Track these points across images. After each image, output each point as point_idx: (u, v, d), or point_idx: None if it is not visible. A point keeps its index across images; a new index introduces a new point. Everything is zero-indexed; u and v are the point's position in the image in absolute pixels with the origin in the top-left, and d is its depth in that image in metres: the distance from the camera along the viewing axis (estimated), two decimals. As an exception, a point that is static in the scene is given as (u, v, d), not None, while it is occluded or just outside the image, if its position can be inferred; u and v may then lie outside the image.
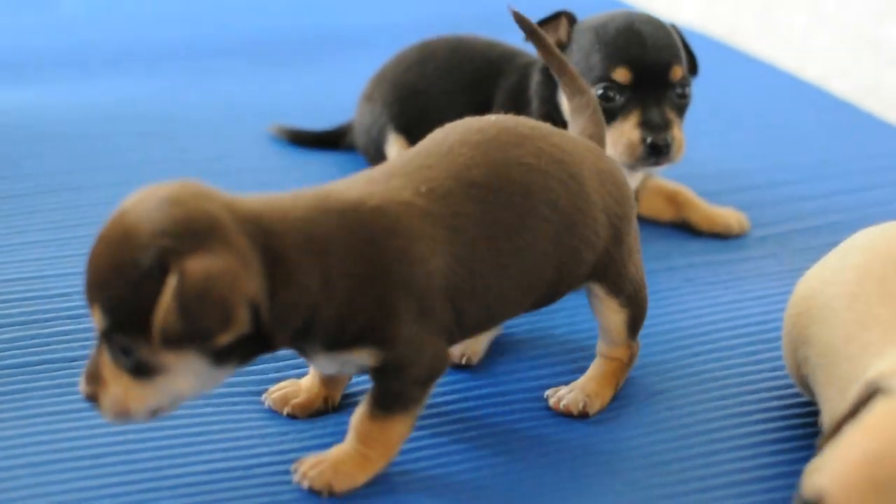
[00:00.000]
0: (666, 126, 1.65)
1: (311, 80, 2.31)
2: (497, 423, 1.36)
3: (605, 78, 1.66)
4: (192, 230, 1.11)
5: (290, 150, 2.00)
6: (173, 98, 2.19)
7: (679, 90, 1.68)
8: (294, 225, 1.16)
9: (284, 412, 1.34)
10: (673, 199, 1.83)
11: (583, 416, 1.36)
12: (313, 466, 1.23)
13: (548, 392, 1.39)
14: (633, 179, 1.73)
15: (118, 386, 1.15)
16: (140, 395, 1.15)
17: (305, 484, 1.22)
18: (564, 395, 1.37)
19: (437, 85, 1.82)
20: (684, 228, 1.82)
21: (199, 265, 1.09)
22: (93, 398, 1.16)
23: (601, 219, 1.31)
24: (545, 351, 1.49)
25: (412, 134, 1.80)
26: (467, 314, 1.24)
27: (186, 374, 1.14)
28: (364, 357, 1.20)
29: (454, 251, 1.22)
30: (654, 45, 1.67)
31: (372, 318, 1.18)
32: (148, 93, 2.21)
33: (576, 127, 1.41)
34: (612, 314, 1.37)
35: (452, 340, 1.26)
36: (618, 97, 1.66)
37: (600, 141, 1.41)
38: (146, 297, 1.10)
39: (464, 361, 1.43)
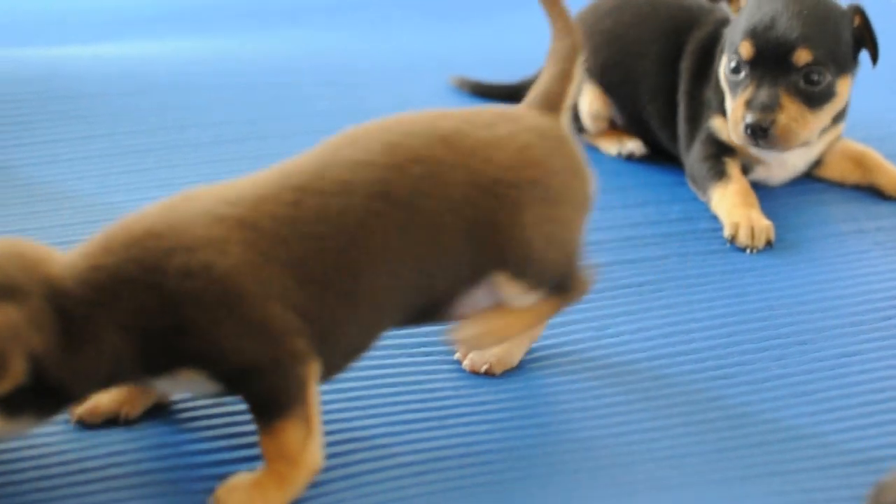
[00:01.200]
0: (773, 109, 1.60)
1: (488, 33, 2.31)
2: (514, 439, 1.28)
3: (734, 50, 1.64)
4: None
5: (472, 102, 2.00)
6: (352, 49, 2.21)
7: (806, 76, 1.62)
8: (82, 279, 1.13)
9: (482, 369, 1.33)
10: (860, 161, 1.80)
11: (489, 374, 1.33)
12: (229, 490, 1.17)
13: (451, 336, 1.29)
14: (817, 144, 1.71)
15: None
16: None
17: None
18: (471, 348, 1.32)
19: (632, 33, 1.80)
20: (871, 191, 1.79)
21: None
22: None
23: (463, 195, 1.21)
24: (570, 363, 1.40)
25: (606, 83, 1.81)
26: (322, 326, 1.17)
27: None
28: (195, 378, 1.16)
29: (258, 253, 1.15)
30: (784, 24, 1.62)
31: (178, 340, 1.14)
32: (327, 44, 2.23)
33: (542, 73, 1.33)
34: (518, 296, 1.26)
35: (334, 368, 1.21)
36: (741, 72, 1.63)
37: (554, 98, 1.31)
38: None
39: (483, 370, 1.35)
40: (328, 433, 1.21)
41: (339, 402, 1.29)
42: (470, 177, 1.22)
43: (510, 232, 1.22)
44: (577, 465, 1.22)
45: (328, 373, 1.20)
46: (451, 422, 1.28)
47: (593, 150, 1.83)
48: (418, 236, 1.20)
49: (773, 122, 1.59)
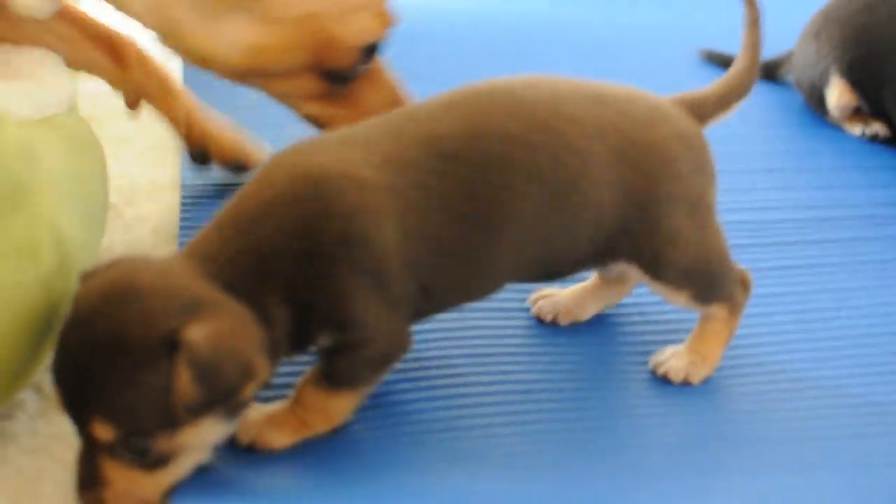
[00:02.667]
0: None
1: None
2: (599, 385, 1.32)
3: None
4: (178, 305, 1.07)
5: (720, 74, 2.04)
6: (599, 19, 2.26)
7: None
8: (240, 258, 1.12)
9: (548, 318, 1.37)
10: None
11: (686, 383, 1.31)
12: (244, 419, 1.18)
13: (653, 357, 1.33)
14: None
15: (128, 482, 1.09)
16: (155, 483, 1.10)
17: (246, 443, 1.19)
18: (666, 361, 1.32)
19: (887, 31, 1.80)
20: None
21: (199, 331, 1.05)
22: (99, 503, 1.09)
23: (609, 198, 1.22)
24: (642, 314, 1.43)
25: (854, 79, 1.82)
26: (437, 291, 1.19)
27: (205, 442, 1.11)
28: (324, 340, 1.16)
29: (411, 226, 1.15)
30: None
31: (329, 305, 1.13)
32: (573, 12, 2.28)
33: (714, 85, 1.34)
34: (669, 294, 1.29)
35: (424, 316, 1.22)
36: None
37: (706, 113, 1.32)
38: (158, 389, 1.05)
39: (549, 320, 1.38)
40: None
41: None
42: (616, 179, 1.22)
43: (645, 237, 1.24)
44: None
45: (421, 317, 1.23)
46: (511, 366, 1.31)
47: (837, 129, 1.87)
48: (559, 225, 1.21)
49: None
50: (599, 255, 1.25)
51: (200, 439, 1.10)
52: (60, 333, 1.08)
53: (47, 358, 1.25)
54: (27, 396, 1.28)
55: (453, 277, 1.19)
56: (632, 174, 1.22)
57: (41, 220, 1.16)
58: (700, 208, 1.26)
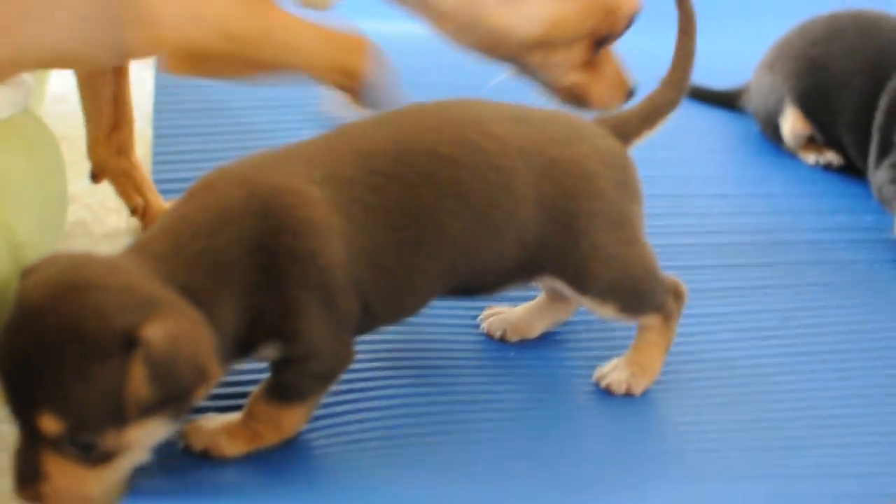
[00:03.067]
0: None
1: (709, 39, 2.34)
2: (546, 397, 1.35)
3: None
4: (133, 302, 1.07)
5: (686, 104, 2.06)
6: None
7: None
8: (194, 262, 1.13)
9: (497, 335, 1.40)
10: None
11: (628, 394, 1.34)
12: (197, 428, 1.21)
13: (597, 370, 1.36)
14: None
15: (69, 478, 1.08)
16: (98, 479, 1.09)
17: (181, 443, 1.20)
18: (608, 374, 1.34)
19: (840, 64, 1.84)
20: None
21: (157, 329, 1.06)
22: (39, 499, 1.08)
23: (531, 215, 1.25)
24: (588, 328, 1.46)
25: (807, 108, 1.86)
26: (375, 306, 1.22)
27: (149, 441, 1.11)
28: (269, 352, 1.18)
29: (354, 242, 1.18)
30: None
31: (277, 316, 1.15)
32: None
33: (641, 103, 1.38)
34: (596, 307, 1.32)
35: (363, 331, 1.25)
36: None
37: (630, 134, 1.35)
38: (111, 384, 1.05)
39: (497, 336, 1.41)
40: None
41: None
42: (539, 197, 1.25)
43: (568, 253, 1.28)
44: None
45: (359, 333, 1.25)
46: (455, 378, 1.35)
47: (792, 157, 1.91)
48: (485, 241, 1.24)
49: None
50: (525, 271, 1.29)
51: (145, 438, 1.10)
52: (6, 325, 1.08)
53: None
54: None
55: (389, 293, 1.22)
56: (553, 191, 1.26)
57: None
58: (624, 225, 1.30)
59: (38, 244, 1.28)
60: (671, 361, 1.38)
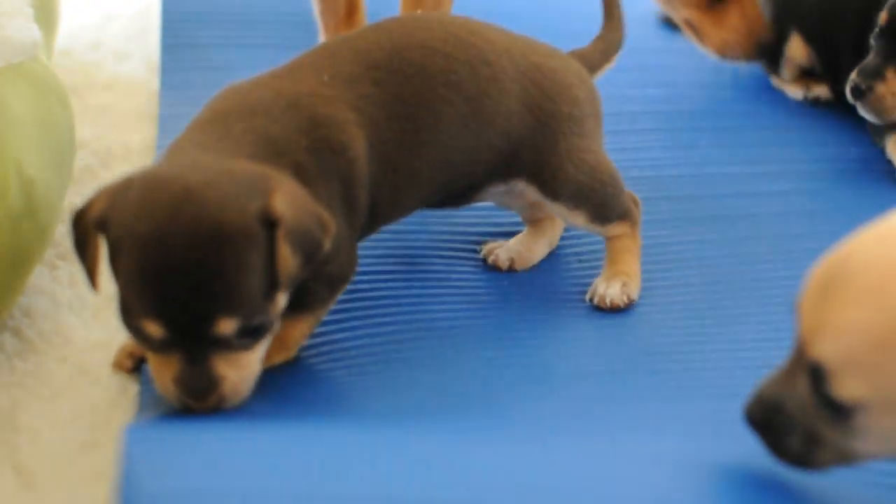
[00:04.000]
0: (874, 77, 1.64)
1: None
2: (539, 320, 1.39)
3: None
4: (248, 183, 1.12)
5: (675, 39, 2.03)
6: None
7: None
8: (248, 139, 1.18)
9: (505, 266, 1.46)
10: None
11: (630, 304, 1.39)
12: None
13: (588, 293, 1.41)
14: None
15: (239, 370, 1.15)
16: (255, 360, 1.16)
17: None
18: (605, 293, 1.39)
19: None
20: None
21: (283, 202, 1.12)
22: (219, 403, 1.15)
23: (516, 109, 1.33)
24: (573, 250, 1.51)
25: (809, 33, 1.86)
26: (380, 203, 1.28)
27: (284, 304, 1.17)
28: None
29: (366, 135, 1.25)
30: None
31: None
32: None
33: (592, 44, 1.48)
34: (567, 215, 1.39)
35: (362, 236, 1.30)
36: (877, 39, 1.67)
37: (593, 65, 1.45)
38: (264, 264, 1.11)
39: (505, 267, 1.46)
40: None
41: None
42: (523, 94, 1.34)
43: (545, 153, 1.35)
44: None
45: (361, 236, 1.31)
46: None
47: (781, 93, 1.92)
48: (474, 130, 1.31)
49: (870, 88, 1.65)
50: (507, 168, 1.35)
51: (284, 302, 1.16)
52: (142, 251, 1.10)
53: (17, 296, 1.33)
54: (5, 338, 1.36)
55: (393, 188, 1.28)
56: (534, 91, 1.34)
57: (7, 163, 1.22)
58: (593, 137, 1.39)
59: (47, 182, 1.32)
60: (662, 285, 1.43)
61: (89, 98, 1.83)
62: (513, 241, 1.48)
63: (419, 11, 1.41)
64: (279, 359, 1.27)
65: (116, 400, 1.28)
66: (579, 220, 1.39)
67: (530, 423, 1.23)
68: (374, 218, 1.30)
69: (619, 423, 1.24)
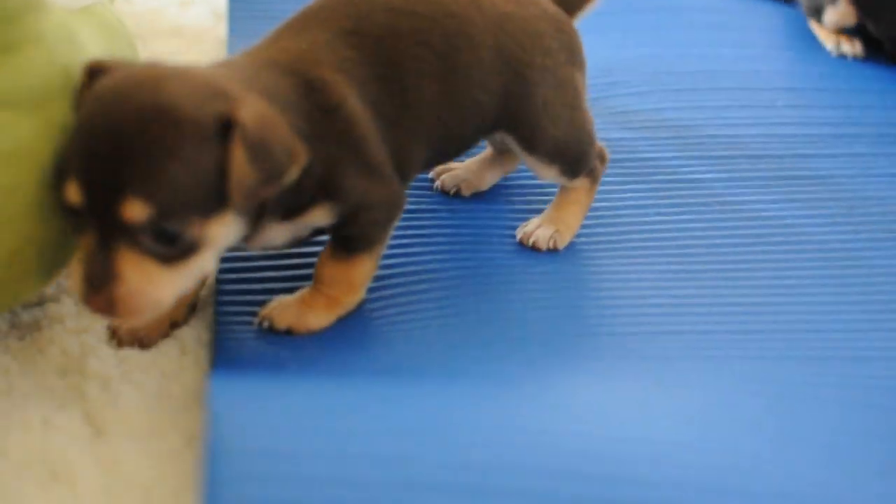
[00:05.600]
0: None
1: None
2: (469, 258, 1.38)
3: None
4: (221, 91, 1.08)
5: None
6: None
7: None
8: (266, 88, 1.15)
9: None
10: None
11: (552, 250, 1.38)
12: (276, 308, 1.24)
13: (518, 229, 1.41)
14: None
15: (143, 278, 1.06)
16: (171, 282, 1.07)
17: (265, 324, 1.23)
18: (533, 232, 1.39)
19: None
20: None
21: (249, 111, 1.07)
22: (109, 305, 1.06)
23: (490, 59, 1.30)
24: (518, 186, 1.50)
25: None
26: (393, 156, 1.25)
27: (224, 240, 1.11)
28: (321, 216, 1.20)
29: (356, 94, 1.22)
30: None
31: (323, 173, 1.17)
32: None
33: None
34: (540, 168, 1.37)
35: (408, 177, 1.29)
36: None
37: (573, 7, 1.40)
38: (206, 167, 1.05)
39: (452, 192, 1.46)
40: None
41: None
42: (496, 44, 1.30)
43: (522, 105, 1.32)
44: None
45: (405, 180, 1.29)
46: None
47: (814, 41, 1.89)
48: (454, 85, 1.28)
49: None
50: (492, 121, 1.33)
51: (223, 234, 1.09)
52: (83, 114, 1.07)
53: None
54: (72, 282, 1.36)
55: (398, 143, 1.25)
56: (507, 41, 1.31)
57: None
58: (569, 87, 1.36)
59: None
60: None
61: (154, 45, 1.82)
62: (464, 165, 1.48)
63: None
64: (349, 300, 1.26)
65: (188, 347, 1.26)
66: (550, 173, 1.38)
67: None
68: (402, 166, 1.27)
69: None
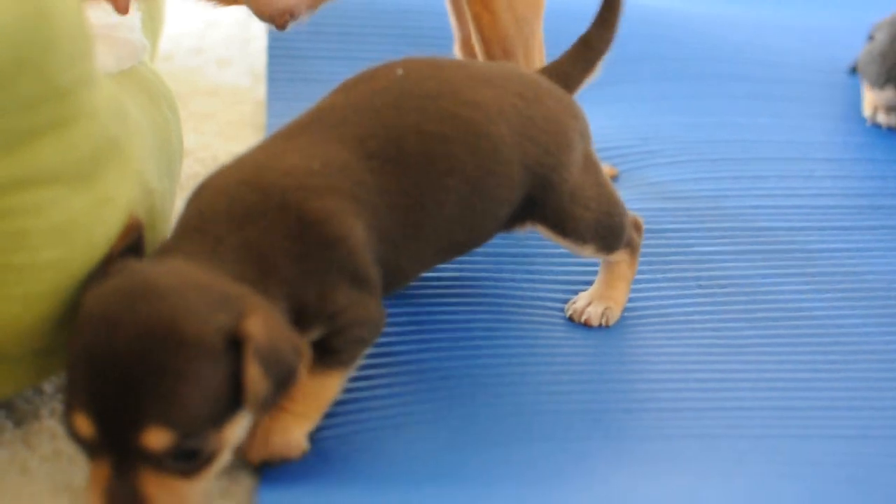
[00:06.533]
0: None
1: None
2: (515, 331, 1.38)
3: None
4: (219, 300, 1.07)
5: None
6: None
7: None
8: (237, 255, 1.12)
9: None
10: None
11: (604, 326, 1.39)
12: (257, 446, 1.18)
13: (567, 305, 1.41)
14: None
15: (171, 496, 1.05)
16: (195, 492, 1.07)
17: (258, 462, 1.18)
18: (583, 308, 1.39)
19: None
20: None
21: (256, 322, 1.06)
22: None
23: (518, 173, 1.28)
24: (560, 261, 1.50)
25: None
26: (387, 277, 1.22)
27: (238, 438, 1.10)
28: (313, 334, 1.18)
29: (365, 223, 1.19)
30: None
31: (318, 300, 1.16)
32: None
33: (571, 54, 1.40)
34: (577, 249, 1.37)
35: (387, 293, 1.26)
36: None
37: (572, 83, 1.38)
38: (219, 384, 1.05)
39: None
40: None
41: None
42: (523, 155, 1.27)
43: (549, 200, 1.31)
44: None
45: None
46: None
47: (850, 111, 1.88)
48: (478, 207, 1.26)
49: None
50: (511, 224, 1.33)
51: (236, 435, 1.09)
52: (83, 342, 1.04)
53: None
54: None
55: (398, 265, 1.24)
56: (534, 149, 1.29)
57: (133, 175, 1.21)
58: (592, 168, 1.35)
59: (164, 192, 1.31)
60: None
61: (192, 105, 1.83)
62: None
63: (401, 69, 1.29)
64: (315, 417, 1.20)
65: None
66: (588, 251, 1.37)
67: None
68: (388, 284, 1.25)
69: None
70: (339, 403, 1.23)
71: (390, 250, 1.22)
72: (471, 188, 1.25)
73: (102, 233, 1.16)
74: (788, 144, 1.76)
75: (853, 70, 1.96)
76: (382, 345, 1.33)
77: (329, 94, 1.29)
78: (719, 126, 1.65)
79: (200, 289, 1.07)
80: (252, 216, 1.14)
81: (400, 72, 1.27)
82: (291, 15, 1.40)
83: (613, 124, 1.77)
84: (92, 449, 1.06)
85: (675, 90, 1.86)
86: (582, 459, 1.20)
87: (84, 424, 1.04)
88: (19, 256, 1.11)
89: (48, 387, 1.29)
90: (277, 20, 1.41)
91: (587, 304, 1.40)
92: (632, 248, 1.41)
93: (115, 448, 1.04)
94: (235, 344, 1.05)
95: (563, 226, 1.33)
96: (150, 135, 1.31)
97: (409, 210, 1.22)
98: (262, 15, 1.43)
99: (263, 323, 1.07)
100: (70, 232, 1.13)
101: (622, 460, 1.21)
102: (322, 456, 1.19)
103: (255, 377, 1.05)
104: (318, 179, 1.17)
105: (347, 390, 1.25)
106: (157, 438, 1.03)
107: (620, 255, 1.40)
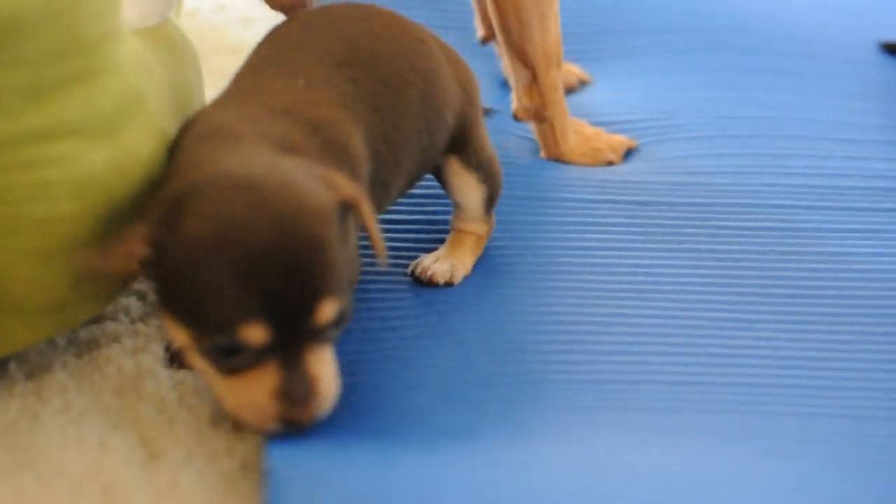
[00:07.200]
0: None
1: None
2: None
3: None
4: (318, 176, 1.13)
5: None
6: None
7: None
8: (285, 140, 1.18)
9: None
10: None
11: (448, 284, 1.39)
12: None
13: (411, 264, 1.41)
14: None
15: (327, 367, 1.12)
16: (332, 356, 1.14)
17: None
18: (430, 266, 1.39)
19: None
20: None
21: (349, 187, 1.14)
22: (313, 409, 1.11)
23: (450, 81, 1.35)
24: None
25: None
26: (374, 195, 1.25)
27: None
28: None
29: (359, 130, 1.23)
30: None
31: None
32: None
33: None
34: (471, 190, 1.39)
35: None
36: None
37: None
38: (349, 247, 1.14)
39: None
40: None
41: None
42: (451, 67, 1.36)
43: (470, 129, 1.37)
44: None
45: None
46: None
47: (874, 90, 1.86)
48: (433, 108, 1.32)
49: None
50: (448, 144, 1.37)
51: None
52: (231, 257, 1.06)
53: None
54: (131, 302, 1.37)
55: (382, 181, 1.27)
56: (457, 66, 1.38)
57: (156, 133, 1.22)
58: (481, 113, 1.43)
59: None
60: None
61: (214, 62, 1.83)
62: None
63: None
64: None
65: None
66: (479, 194, 1.40)
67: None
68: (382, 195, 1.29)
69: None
70: (347, 361, 1.23)
71: (378, 162, 1.25)
72: (425, 84, 1.31)
73: (122, 188, 1.17)
74: (810, 123, 1.75)
75: (886, 47, 1.95)
76: (394, 308, 1.34)
77: (270, 30, 1.35)
78: (743, 101, 1.64)
79: (297, 169, 1.12)
80: (259, 118, 1.19)
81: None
82: (303, 6, 1.41)
83: (636, 97, 1.77)
84: (257, 356, 1.09)
85: (701, 63, 1.85)
86: (587, 427, 1.21)
87: (258, 332, 1.08)
88: (40, 208, 1.11)
89: (61, 340, 1.30)
90: (288, 11, 1.42)
91: (434, 261, 1.41)
92: (490, 224, 1.43)
93: (286, 341, 1.08)
94: (343, 205, 1.12)
95: (475, 156, 1.38)
96: (172, 91, 1.32)
97: (388, 110, 1.27)
98: (273, 3, 1.44)
99: (351, 186, 1.13)
100: (90, 185, 1.13)
101: (628, 431, 1.22)
102: (332, 414, 1.19)
103: (377, 234, 1.13)
104: (309, 94, 1.22)
105: (360, 350, 1.27)
106: (328, 310, 1.09)
107: (478, 227, 1.42)
